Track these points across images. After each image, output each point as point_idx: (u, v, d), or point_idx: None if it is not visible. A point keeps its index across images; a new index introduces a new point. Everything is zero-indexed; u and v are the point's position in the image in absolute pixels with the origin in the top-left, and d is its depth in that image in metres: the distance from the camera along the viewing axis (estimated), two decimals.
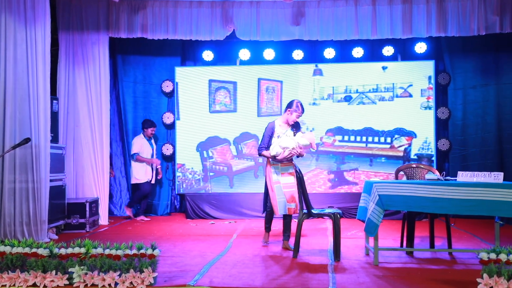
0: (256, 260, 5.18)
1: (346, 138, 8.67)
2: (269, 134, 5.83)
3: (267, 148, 5.78)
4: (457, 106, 8.63)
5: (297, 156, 5.76)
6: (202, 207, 8.65)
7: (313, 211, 5.38)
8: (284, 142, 5.63)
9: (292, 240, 5.82)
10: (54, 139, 7.07)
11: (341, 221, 5.40)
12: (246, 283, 4.23)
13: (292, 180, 5.69)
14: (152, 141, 8.67)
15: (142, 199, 8.53)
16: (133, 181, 8.55)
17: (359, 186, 8.48)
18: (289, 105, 5.85)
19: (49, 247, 4.23)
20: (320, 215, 5.54)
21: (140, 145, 8.48)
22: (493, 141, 8.47)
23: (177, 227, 7.62)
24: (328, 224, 7.63)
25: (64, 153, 7.37)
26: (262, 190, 8.49)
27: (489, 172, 5.06)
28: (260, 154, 5.89)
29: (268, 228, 6.07)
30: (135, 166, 8.49)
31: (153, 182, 8.59)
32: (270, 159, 5.80)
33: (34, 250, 4.21)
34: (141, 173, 8.47)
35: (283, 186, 5.70)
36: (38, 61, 6.40)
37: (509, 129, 8.40)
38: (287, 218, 5.84)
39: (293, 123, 5.87)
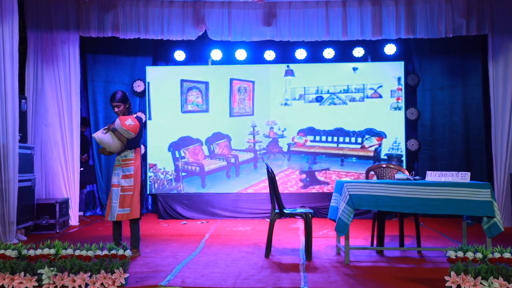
0: (228, 260, 5.19)
1: (317, 138, 8.73)
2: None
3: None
4: (425, 107, 8.75)
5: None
6: (174, 207, 8.61)
7: (285, 210, 5.41)
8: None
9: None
10: (23, 139, 6.95)
11: (313, 220, 5.45)
12: (218, 283, 4.24)
13: (131, 182, 5.33)
14: None
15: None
16: None
17: (330, 186, 8.55)
18: None
19: (18, 249, 4.17)
20: (291, 215, 5.58)
21: None
22: (460, 141, 8.63)
23: (149, 228, 7.57)
24: (300, 223, 7.68)
25: (33, 153, 7.25)
26: (234, 190, 8.63)
27: (456, 172, 5.17)
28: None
29: (117, 240, 5.46)
30: None
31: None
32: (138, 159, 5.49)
33: (2, 251, 4.15)
34: None
35: (121, 189, 5.33)
36: (5, 60, 6.30)
37: (475, 130, 8.57)
38: (118, 225, 5.47)
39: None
